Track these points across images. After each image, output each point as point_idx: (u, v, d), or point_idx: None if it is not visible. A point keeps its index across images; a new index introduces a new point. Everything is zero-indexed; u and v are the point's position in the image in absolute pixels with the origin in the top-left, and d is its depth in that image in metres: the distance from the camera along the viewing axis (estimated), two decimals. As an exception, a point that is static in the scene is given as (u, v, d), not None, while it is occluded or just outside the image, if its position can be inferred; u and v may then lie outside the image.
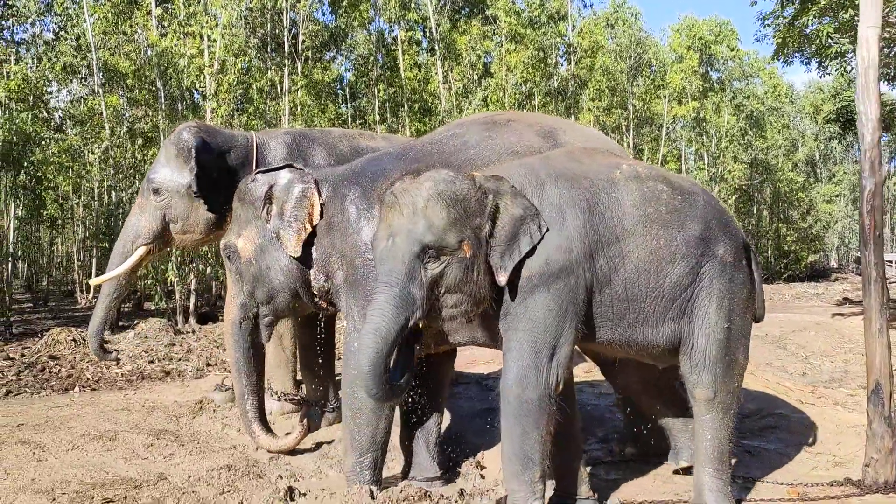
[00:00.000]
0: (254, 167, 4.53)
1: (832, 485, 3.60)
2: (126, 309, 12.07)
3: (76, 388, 6.13)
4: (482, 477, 3.81)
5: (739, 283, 3.17)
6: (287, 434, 4.08)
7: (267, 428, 4.02)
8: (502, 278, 2.87)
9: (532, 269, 2.90)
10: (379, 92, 17.34)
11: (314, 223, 3.58)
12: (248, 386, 3.91)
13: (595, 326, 3.03)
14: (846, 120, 13.47)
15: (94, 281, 4.91)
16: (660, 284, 3.02)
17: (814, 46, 10.05)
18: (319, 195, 3.62)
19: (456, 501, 3.45)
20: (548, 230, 2.90)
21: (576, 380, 5.35)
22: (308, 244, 3.59)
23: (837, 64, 10.29)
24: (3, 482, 3.39)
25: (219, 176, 4.40)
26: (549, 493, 3.17)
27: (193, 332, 9.69)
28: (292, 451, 4.08)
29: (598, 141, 3.90)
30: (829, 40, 9.39)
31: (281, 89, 14.28)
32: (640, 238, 3.00)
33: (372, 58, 17.74)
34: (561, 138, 3.70)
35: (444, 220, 2.79)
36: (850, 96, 13.40)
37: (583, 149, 3.39)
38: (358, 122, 17.93)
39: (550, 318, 2.88)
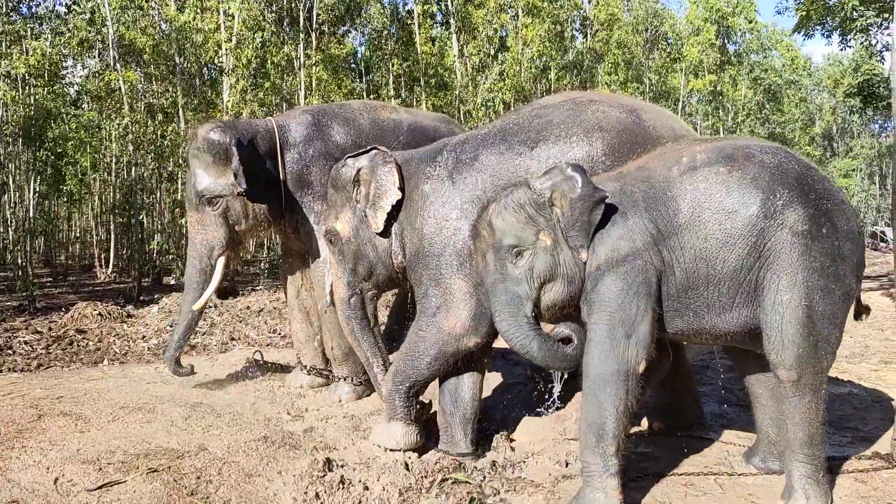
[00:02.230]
0: (278, 150, 4.60)
1: (860, 458, 3.64)
2: (146, 284, 12.20)
3: (105, 362, 6.24)
4: (512, 449, 3.88)
5: (818, 253, 2.95)
6: None
7: None
8: (583, 255, 3.05)
9: (600, 257, 3.04)
10: (393, 66, 17.25)
11: (394, 201, 3.80)
12: (369, 351, 4.12)
13: (668, 318, 3.08)
14: (867, 94, 13.27)
15: (197, 305, 4.69)
16: (717, 270, 2.99)
17: (837, 19, 9.90)
18: (401, 175, 3.83)
19: (489, 472, 3.54)
20: (608, 219, 3.05)
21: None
22: (391, 222, 3.85)
23: (862, 37, 10.14)
24: (50, 453, 3.48)
25: (257, 166, 4.51)
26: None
27: (215, 306, 9.78)
28: (327, 424, 4.19)
29: (670, 119, 3.89)
30: (854, 13, 9.24)
31: (297, 64, 14.24)
32: (694, 228, 3.00)
33: (386, 31, 17.64)
34: (643, 116, 3.70)
35: (513, 223, 3.11)
36: (871, 69, 13.20)
37: (653, 154, 3.36)
38: (372, 96, 17.89)
39: (621, 297, 2.97)
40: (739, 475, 3.47)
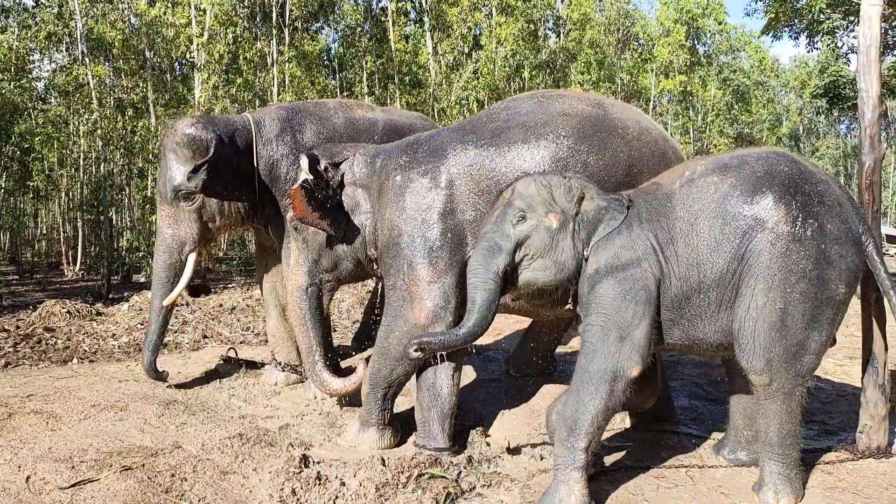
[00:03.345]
0: (255, 147, 4.58)
1: (826, 451, 3.73)
2: (115, 281, 12.03)
3: (74, 360, 6.14)
4: (488, 444, 3.91)
5: (799, 256, 2.93)
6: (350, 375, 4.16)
7: (336, 375, 4.19)
8: (586, 252, 3.15)
9: (600, 262, 3.11)
10: (367, 63, 17.20)
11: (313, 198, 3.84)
12: (315, 339, 4.12)
13: (666, 327, 3.13)
14: (834, 95, 13.57)
15: (167, 301, 4.62)
16: (707, 276, 3.02)
17: (805, 22, 10.10)
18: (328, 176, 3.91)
19: (465, 467, 3.56)
20: (625, 218, 3.14)
21: (570, 350, 5.48)
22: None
23: (828, 40, 10.36)
24: (21, 451, 3.43)
25: (237, 161, 4.52)
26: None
27: (187, 304, 9.66)
28: (302, 420, 4.19)
29: (637, 114, 3.96)
30: (821, 15, 9.43)
31: (270, 60, 14.14)
32: (688, 237, 3.06)
33: (360, 29, 17.57)
34: (610, 110, 3.77)
35: (533, 193, 3.21)
36: (837, 71, 13.50)
37: (666, 172, 3.44)
38: (345, 94, 17.82)
39: (617, 301, 3.03)
40: (710, 467, 3.54)
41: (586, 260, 3.16)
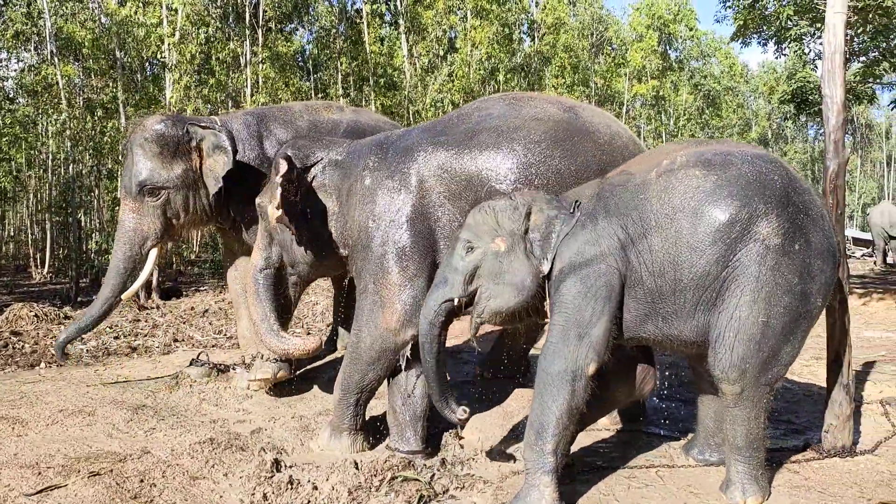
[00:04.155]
0: None
1: (792, 450, 3.79)
2: (84, 284, 11.86)
3: (42, 364, 6.04)
4: (461, 447, 3.91)
5: (787, 270, 2.89)
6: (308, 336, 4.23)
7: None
8: (544, 268, 3.14)
9: (564, 260, 3.10)
10: (342, 65, 17.15)
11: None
12: (268, 308, 3.99)
13: (636, 321, 3.11)
14: (801, 100, 13.82)
15: (126, 295, 4.66)
16: (684, 276, 2.95)
17: (773, 28, 10.27)
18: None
19: (438, 470, 3.56)
20: (578, 224, 3.12)
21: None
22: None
23: (796, 46, 10.55)
24: (-15, 457, 3.37)
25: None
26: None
27: (158, 307, 9.57)
28: (274, 424, 4.17)
29: (607, 118, 3.98)
30: (789, 22, 9.60)
31: (243, 61, 14.03)
32: (665, 231, 2.97)
33: (334, 30, 17.52)
34: (581, 114, 3.79)
35: (479, 222, 3.26)
36: (805, 77, 13.74)
37: (637, 158, 3.40)
38: (320, 95, 17.75)
39: (579, 299, 3.01)
40: (679, 467, 3.58)
41: (550, 270, 3.14)
